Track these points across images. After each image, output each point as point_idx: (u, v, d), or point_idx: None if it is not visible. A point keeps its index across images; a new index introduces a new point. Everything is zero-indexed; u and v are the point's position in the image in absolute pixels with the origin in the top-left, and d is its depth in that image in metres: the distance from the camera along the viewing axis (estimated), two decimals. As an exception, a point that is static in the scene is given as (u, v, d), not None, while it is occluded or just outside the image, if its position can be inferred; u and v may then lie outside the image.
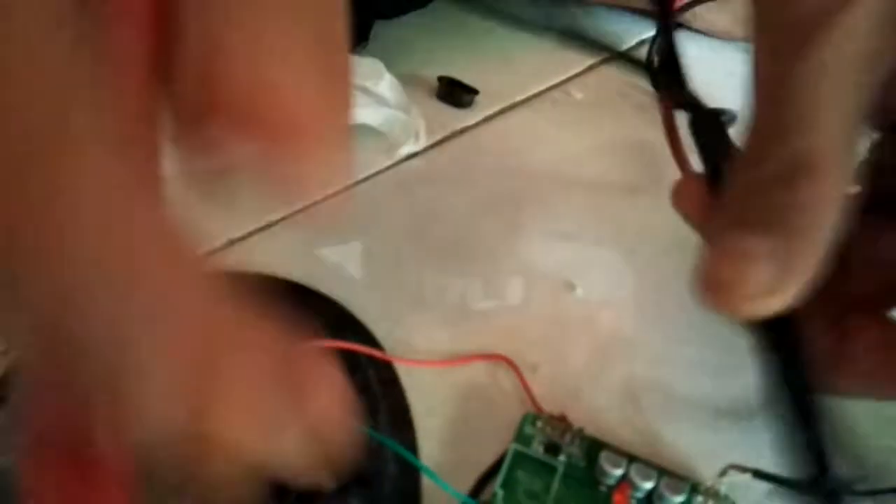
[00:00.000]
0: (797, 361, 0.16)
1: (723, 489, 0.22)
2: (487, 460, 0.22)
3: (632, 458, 0.22)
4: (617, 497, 0.22)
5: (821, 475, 0.15)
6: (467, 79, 0.36)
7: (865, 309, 0.17)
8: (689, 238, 0.20)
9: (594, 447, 0.23)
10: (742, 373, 0.25)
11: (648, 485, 0.21)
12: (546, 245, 0.30)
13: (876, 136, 0.18)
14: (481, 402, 0.24)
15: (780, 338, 0.16)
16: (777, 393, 0.16)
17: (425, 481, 0.21)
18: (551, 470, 0.22)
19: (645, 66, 0.32)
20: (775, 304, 0.15)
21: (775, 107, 0.15)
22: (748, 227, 0.15)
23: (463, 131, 0.35)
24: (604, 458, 0.22)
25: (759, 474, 0.21)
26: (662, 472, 0.22)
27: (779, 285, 0.15)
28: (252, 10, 0.10)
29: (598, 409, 0.24)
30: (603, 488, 0.22)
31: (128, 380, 0.09)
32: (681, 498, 0.21)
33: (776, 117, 0.15)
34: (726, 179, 0.16)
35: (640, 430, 0.24)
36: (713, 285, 0.15)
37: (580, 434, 0.23)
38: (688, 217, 0.18)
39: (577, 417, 0.23)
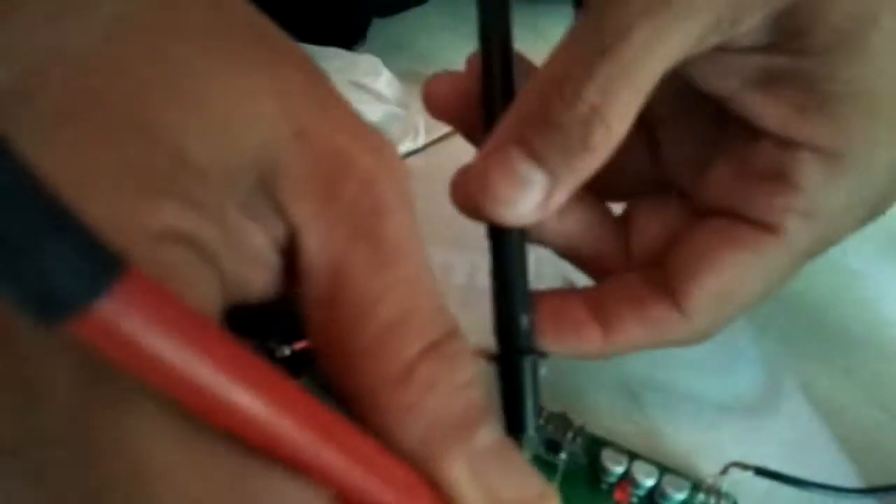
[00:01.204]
0: (520, 257, 0.19)
1: (724, 486, 0.21)
2: (488, 458, 0.22)
3: (633, 456, 0.22)
4: (618, 495, 0.22)
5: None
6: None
7: None
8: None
9: (595, 445, 0.22)
10: (743, 371, 0.25)
11: (650, 482, 0.21)
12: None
13: None
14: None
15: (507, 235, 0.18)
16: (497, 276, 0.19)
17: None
18: (552, 468, 0.22)
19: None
20: (523, 220, 0.17)
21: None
22: (534, 154, 0.17)
23: (462, 128, 0.35)
24: (605, 456, 0.22)
25: (760, 471, 0.21)
26: (664, 469, 0.22)
27: (535, 213, 0.17)
28: None
29: (599, 406, 0.24)
30: (604, 486, 0.22)
31: None
32: (682, 495, 0.21)
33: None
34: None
35: (641, 427, 0.24)
36: (483, 192, 0.17)
37: (581, 432, 0.23)
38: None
39: (579, 415, 0.23)
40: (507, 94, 0.19)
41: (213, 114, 0.12)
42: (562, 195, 0.17)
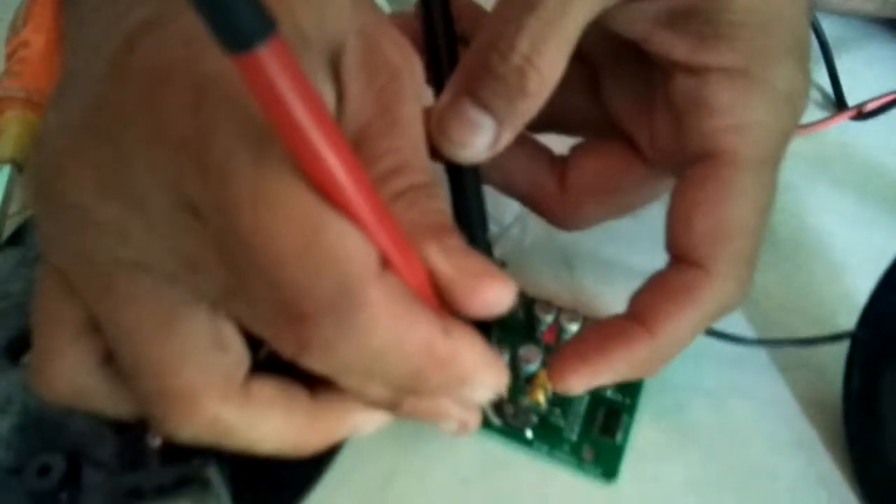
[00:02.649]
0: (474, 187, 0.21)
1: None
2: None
3: (560, 309, 0.25)
4: (546, 336, 0.25)
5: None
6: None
7: None
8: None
9: (530, 302, 0.26)
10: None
11: (574, 327, 0.25)
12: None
13: None
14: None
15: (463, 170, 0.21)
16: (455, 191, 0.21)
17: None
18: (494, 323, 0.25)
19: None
20: (477, 158, 0.20)
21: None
22: (481, 103, 0.19)
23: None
24: (537, 308, 0.25)
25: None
26: (587, 318, 0.25)
27: (487, 152, 0.20)
28: None
29: (538, 275, 0.28)
30: (537, 334, 0.25)
31: None
32: (601, 338, 0.25)
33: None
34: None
35: (574, 292, 0.27)
36: (442, 136, 0.20)
37: (520, 294, 0.26)
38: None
39: (517, 279, 0.26)
40: (450, 42, 0.21)
41: (319, 5, 0.17)
42: (509, 135, 0.20)
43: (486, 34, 0.20)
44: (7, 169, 0.28)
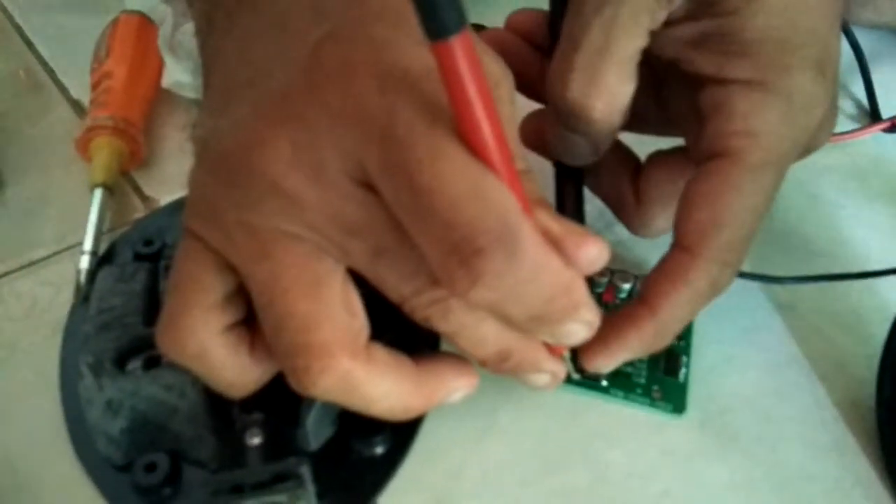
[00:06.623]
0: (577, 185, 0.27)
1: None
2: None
3: (613, 271, 0.29)
4: (606, 297, 0.29)
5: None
6: (489, 24, 0.41)
7: None
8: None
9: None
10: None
11: (627, 286, 0.28)
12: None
13: None
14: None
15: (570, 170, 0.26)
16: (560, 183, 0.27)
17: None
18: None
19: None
20: (584, 163, 0.25)
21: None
22: (570, 128, 0.23)
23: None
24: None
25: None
26: (637, 276, 0.29)
27: (590, 158, 0.24)
28: None
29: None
30: (594, 295, 0.28)
31: None
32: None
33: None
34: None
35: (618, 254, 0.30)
36: (552, 147, 0.25)
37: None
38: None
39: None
40: None
41: (409, 31, 0.19)
42: (605, 145, 0.23)
43: (551, 72, 0.23)
44: (99, 191, 0.31)
